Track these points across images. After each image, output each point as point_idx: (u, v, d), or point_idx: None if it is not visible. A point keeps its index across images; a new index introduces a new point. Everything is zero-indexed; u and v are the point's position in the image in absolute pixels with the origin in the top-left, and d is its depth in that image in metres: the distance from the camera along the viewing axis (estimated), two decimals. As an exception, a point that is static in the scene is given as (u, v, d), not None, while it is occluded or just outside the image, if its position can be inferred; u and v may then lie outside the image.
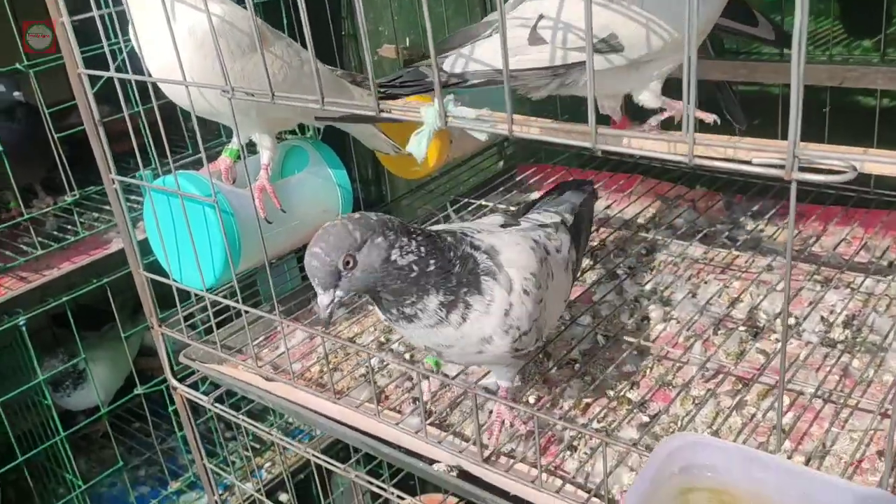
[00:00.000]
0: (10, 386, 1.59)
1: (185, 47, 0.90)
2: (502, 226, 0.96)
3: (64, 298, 1.59)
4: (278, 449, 1.72)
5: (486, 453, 0.87)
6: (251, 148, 1.13)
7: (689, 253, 1.27)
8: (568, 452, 0.91)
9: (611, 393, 0.99)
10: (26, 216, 1.62)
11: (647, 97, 0.95)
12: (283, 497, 1.85)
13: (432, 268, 0.77)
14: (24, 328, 1.53)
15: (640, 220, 1.40)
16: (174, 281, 1.09)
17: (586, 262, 1.29)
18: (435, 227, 0.86)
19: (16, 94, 1.60)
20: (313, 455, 1.13)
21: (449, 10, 1.64)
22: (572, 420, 0.95)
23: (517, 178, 1.58)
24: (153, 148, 1.06)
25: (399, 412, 1.00)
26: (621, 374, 1.03)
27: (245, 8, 0.88)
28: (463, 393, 1.01)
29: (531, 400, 1.00)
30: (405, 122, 0.70)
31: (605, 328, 1.11)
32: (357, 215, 0.77)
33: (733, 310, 1.12)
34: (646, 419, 0.93)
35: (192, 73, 0.91)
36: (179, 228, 1.03)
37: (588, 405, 0.98)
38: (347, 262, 0.74)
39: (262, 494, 1.37)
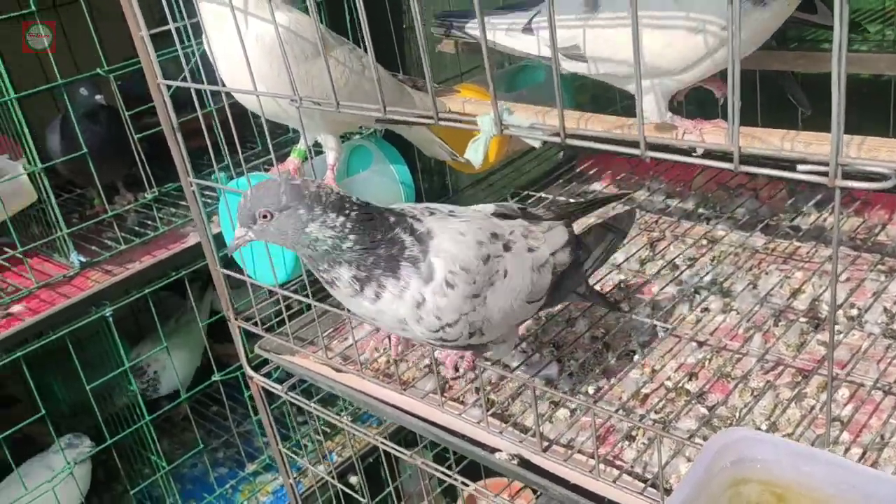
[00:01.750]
0: (98, 373, 1.70)
1: (253, 55, 0.95)
2: (492, 214, 0.96)
3: (147, 291, 1.68)
4: (348, 434, 1.78)
5: (545, 444, 0.90)
6: (318, 148, 1.18)
7: (751, 243, 1.27)
8: (626, 443, 0.94)
9: (669, 384, 1.01)
10: (110, 213, 1.71)
11: (649, 111, 0.95)
12: (353, 479, 1.92)
13: (349, 243, 0.82)
14: (110, 318, 1.63)
15: (701, 210, 1.40)
16: (248, 277, 1.15)
17: (645, 252, 1.30)
18: (397, 205, 0.91)
19: (97, 97, 1.69)
20: (381, 441, 1.18)
21: None
22: (630, 411, 0.98)
23: (577, 170, 1.59)
24: (226, 148, 1.11)
25: (462, 402, 1.04)
26: (680, 365, 1.05)
27: (309, 14, 0.92)
28: (522, 384, 1.04)
29: (590, 391, 1.02)
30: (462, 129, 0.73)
31: (663, 319, 1.12)
32: (298, 181, 0.84)
33: (794, 301, 1.12)
34: (704, 411, 0.95)
35: (260, 79, 0.96)
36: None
37: (646, 396, 1.00)
38: (265, 216, 0.83)
39: (333, 477, 1.43)
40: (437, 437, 0.99)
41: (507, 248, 0.90)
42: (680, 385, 1.00)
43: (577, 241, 0.99)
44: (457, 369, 1.06)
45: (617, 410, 0.95)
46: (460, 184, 1.69)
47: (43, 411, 1.60)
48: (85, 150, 1.61)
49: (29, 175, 1.56)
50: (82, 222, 1.77)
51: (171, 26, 0.99)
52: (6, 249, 1.68)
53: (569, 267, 0.96)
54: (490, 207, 0.97)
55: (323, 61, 0.88)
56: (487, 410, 0.96)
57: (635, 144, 0.58)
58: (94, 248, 1.71)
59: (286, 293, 1.12)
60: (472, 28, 1.08)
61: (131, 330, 2.01)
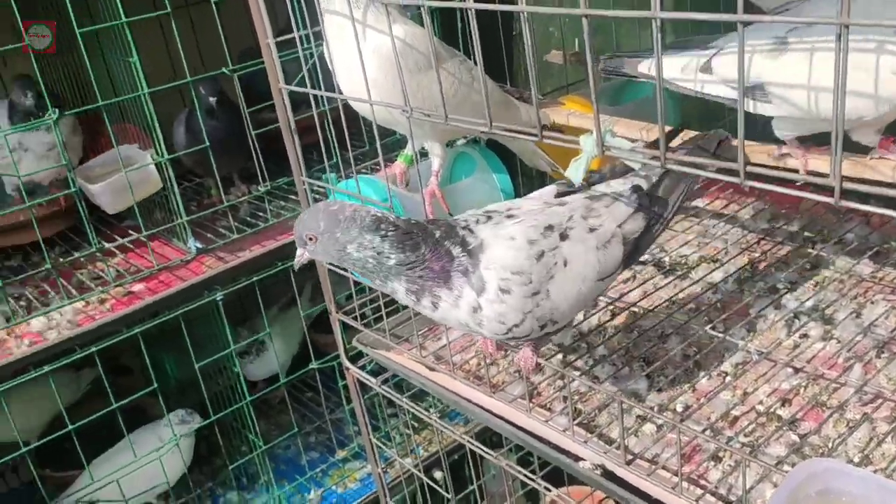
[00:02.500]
0: (205, 353, 1.80)
1: (370, 65, 1.00)
2: (556, 195, 1.00)
3: (255, 278, 1.78)
4: (435, 430, 1.82)
5: (630, 457, 0.91)
6: (424, 153, 1.23)
7: (858, 270, 1.23)
8: (712, 463, 0.94)
9: (760, 408, 1.00)
10: (226, 203, 1.82)
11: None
12: (437, 474, 1.97)
13: (392, 262, 0.88)
14: (220, 303, 1.73)
15: (807, 234, 1.37)
16: (351, 273, 1.21)
17: (745, 273, 1.29)
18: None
19: (211, 98, 1.79)
20: (468, 440, 1.21)
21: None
22: (718, 431, 0.97)
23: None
24: (337, 149, 1.17)
25: (549, 409, 1.06)
26: (773, 390, 1.04)
27: (423, 27, 0.96)
28: (610, 397, 1.05)
29: (678, 408, 1.03)
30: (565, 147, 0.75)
31: (759, 343, 1.11)
32: (335, 206, 0.91)
33: (900, 333, 1.09)
34: (795, 438, 0.94)
35: (375, 88, 1.01)
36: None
37: (736, 418, 1.00)
38: (310, 238, 0.92)
39: (419, 470, 1.48)
40: (522, 442, 1.01)
41: (563, 237, 0.92)
42: (772, 410, 0.99)
43: (651, 199, 0.99)
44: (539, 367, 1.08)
45: (704, 430, 0.96)
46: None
47: (156, 384, 1.71)
48: (207, 143, 1.72)
49: (156, 164, 1.67)
50: (200, 210, 1.88)
51: (296, 34, 1.05)
52: (131, 232, 1.82)
53: (643, 230, 0.98)
54: (552, 189, 1.00)
55: (434, 73, 0.92)
56: (574, 419, 0.98)
57: (735, 172, 0.59)
58: (209, 235, 1.81)
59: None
60: (645, 67, 1.03)
61: (236, 314, 2.11)
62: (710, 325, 1.14)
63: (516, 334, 0.91)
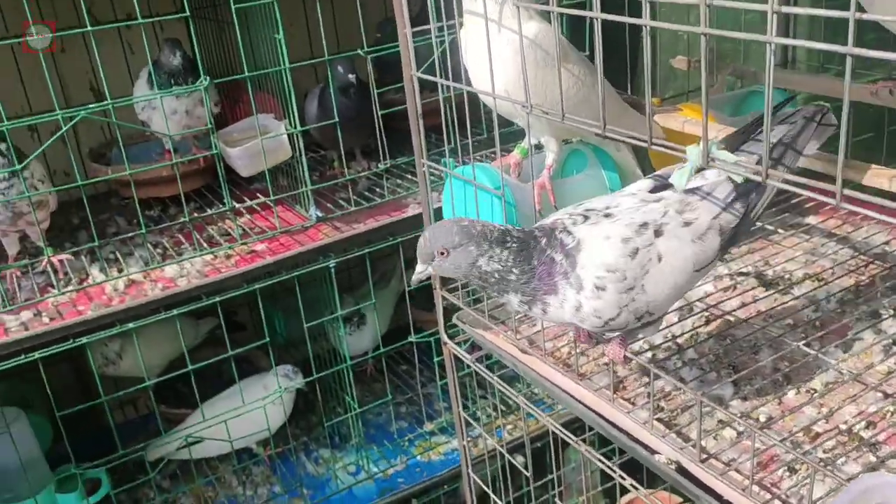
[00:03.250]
0: (312, 316, 1.93)
1: (502, 59, 1.07)
2: (651, 190, 1.01)
3: (366, 250, 1.88)
4: (522, 414, 1.89)
5: (704, 455, 0.95)
6: (539, 146, 1.29)
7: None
8: (787, 473, 0.96)
9: (843, 427, 1.02)
10: (347, 177, 1.93)
11: None
12: (519, 458, 2.03)
13: (514, 276, 0.94)
14: (332, 270, 1.84)
15: (923, 261, 1.35)
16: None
17: (849, 295, 1.28)
18: (551, 217, 1.01)
19: (350, 76, 1.90)
20: (553, 425, 1.27)
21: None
22: (798, 444, 1.00)
23: (794, 200, 1.57)
24: (457, 133, 1.24)
25: (632, 403, 1.10)
26: (860, 412, 1.04)
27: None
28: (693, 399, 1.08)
29: (761, 418, 1.05)
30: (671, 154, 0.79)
31: (852, 364, 1.12)
32: (466, 221, 0.96)
33: None
34: (873, 459, 0.95)
35: (502, 81, 1.08)
36: (469, 210, 1.21)
37: (817, 434, 1.01)
38: (442, 253, 0.95)
39: (504, 449, 1.54)
40: (602, 429, 1.06)
41: (658, 233, 0.96)
42: (854, 430, 1.01)
43: (748, 185, 0.99)
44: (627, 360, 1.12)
45: (783, 440, 0.98)
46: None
47: (267, 339, 1.85)
48: (336, 119, 1.83)
49: (288, 135, 1.79)
50: (321, 181, 2.01)
51: (432, 25, 1.12)
52: (259, 195, 1.96)
53: (741, 218, 0.99)
54: (647, 183, 1.03)
55: (557, 71, 0.97)
56: (654, 415, 1.03)
57: (831, 193, 0.62)
58: (328, 205, 1.93)
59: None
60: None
61: (343, 282, 2.23)
62: (804, 342, 1.15)
63: (613, 326, 0.97)
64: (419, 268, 1.00)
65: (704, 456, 0.95)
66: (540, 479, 1.85)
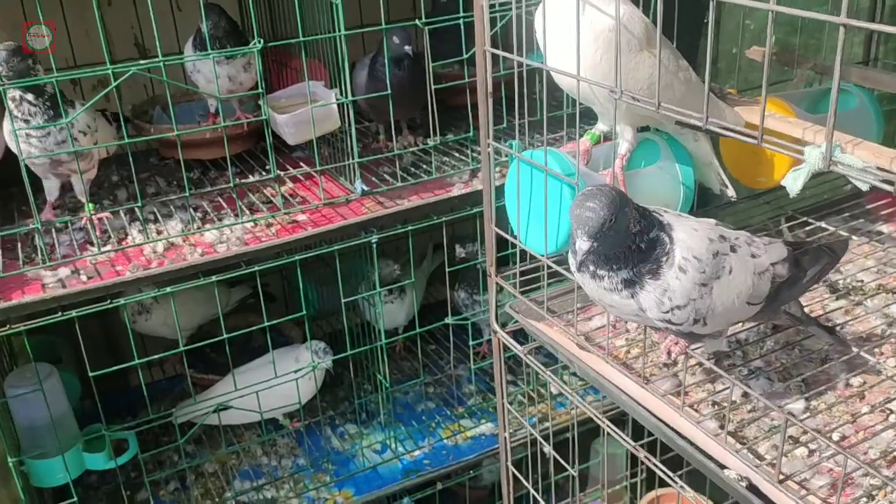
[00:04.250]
0: (350, 287, 1.88)
1: (584, 40, 1.00)
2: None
3: (409, 228, 1.83)
4: (548, 407, 1.84)
5: (782, 476, 0.90)
6: (606, 134, 1.22)
7: None
8: (865, 500, 0.91)
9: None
10: (394, 151, 1.88)
11: None
12: (545, 449, 1.99)
13: (643, 246, 0.93)
14: (375, 245, 1.79)
15: None
16: (520, 242, 1.23)
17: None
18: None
19: (406, 47, 1.84)
20: (600, 418, 1.20)
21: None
22: (876, 469, 0.94)
23: (867, 206, 1.49)
24: (527, 115, 1.19)
25: (696, 411, 1.05)
26: (936, 437, 0.99)
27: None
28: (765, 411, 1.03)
29: (835, 437, 1.00)
30: (785, 153, 0.73)
31: (932, 386, 1.06)
32: (607, 188, 0.92)
33: None
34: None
35: (584, 63, 1.01)
36: (535, 196, 1.16)
37: (895, 459, 0.96)
38: (610, 220, 0.89)
39: (546, 439, 1.49)
40: (667, 439, 1.01)
41: (733, 249, 0.97)
42: (937, 458, 0.95)
43: (795, 260, 1.03)
44: (669, 355, 1.10)
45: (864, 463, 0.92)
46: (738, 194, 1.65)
47: (304, 312, 1.80)
48: (389, 91, 1.77)
49: (338, 105, 1.74)
50: (364, 153, 1.95)
51: (514, 6, 1.06)
52: (301, 164, 1.91)
53: (786, 280, 1.01)
54: (712, 221, 1.04)
55: (644, 56, 0.91)
56: (723, 427, 0.97)
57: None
58: (373, 178, 1.88)
59: (551, 263, 1.18)
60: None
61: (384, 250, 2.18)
62: (882, 358, 1.09)
63: (672, 318, 0.95)
64: (584, 245, 0.91)
65: (782, 476, 0.89)
66: (563, 470, 1.80)
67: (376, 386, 2.08)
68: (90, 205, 1.65)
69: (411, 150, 2.01)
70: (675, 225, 0.96)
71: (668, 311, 0.95)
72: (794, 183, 0.72)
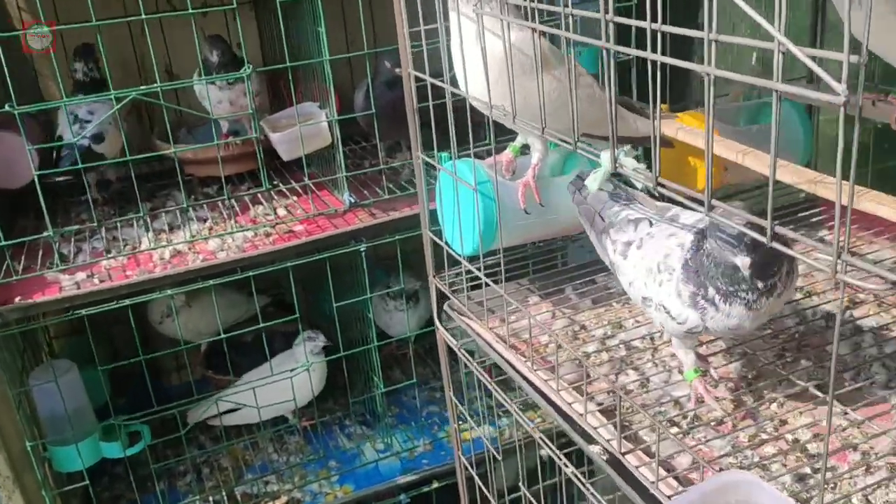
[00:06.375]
0: (346, 297, 2.03)
1: (484, 65, 1.12)
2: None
3: (397, 237, 1.96)
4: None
5: (629, 447, 0.98)
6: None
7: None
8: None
9: (789, 437, 1.02)
10: (385, 166, 2.01)
11: None
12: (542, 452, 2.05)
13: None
14: (363, 253, 1.93)
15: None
16: (445, 244, 1.35)
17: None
18: None
19: (397, 70, 1.97)
20: (539, 434, 1.27)
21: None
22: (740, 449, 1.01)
23: (818, 218, 1.54)
24: (454, 135, 1.30)
25: (592, 399, 1.14)
26: (817, 427, 1.05)
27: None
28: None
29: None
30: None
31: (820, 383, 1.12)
32: None
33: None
34: (808, 471, 0.96)
35: (483, 86, 1.13)
36: (461, 202, 1.28)
37: (763, 442, 1.02)
38: None
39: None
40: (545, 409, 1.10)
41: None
42: (798, 438, 1.01)
43: None
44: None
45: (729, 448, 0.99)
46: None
47: (297, 314, 1.96)
48: (374, 110, 1.92)
49: (329, 123, 1.90)
50: (366, 169, 2.11)
51: (422, 27, 1.19)
52: (305, 179, 2.07)
53: None
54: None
55: (536, 78, 1.02)
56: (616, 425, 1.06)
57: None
58: (366, 192, 2.02)
59: (469, 266, 1.29)
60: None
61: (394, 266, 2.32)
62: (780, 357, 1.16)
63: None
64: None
65: (629, 447, 0.98)
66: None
67: (376, 388, 2.21)
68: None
69: (407, 164, 2.14)
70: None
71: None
72: (592, 183, 0.82)
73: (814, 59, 0.55)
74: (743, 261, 0.85)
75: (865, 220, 1.47)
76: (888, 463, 0.96)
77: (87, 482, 1.85)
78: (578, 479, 1.06)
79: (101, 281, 1.75)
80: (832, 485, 0.94)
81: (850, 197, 0.56)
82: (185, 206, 1.87)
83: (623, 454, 0.95)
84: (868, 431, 1.02)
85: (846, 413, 1.05)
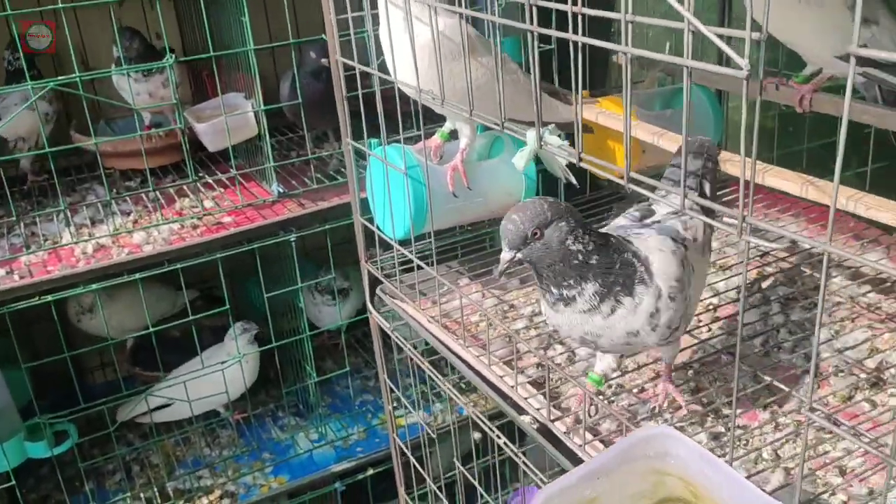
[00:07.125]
0: (278, 288, 2.03)
1: (412, 51, 1.15)
2: (641, 218, 1.06)
3: (327, 227, 1.97)
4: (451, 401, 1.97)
5: (557, 414, 1.03)
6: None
7: (863, 298, 1.28)
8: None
9: (704, 401, 1.09)
10: (312, 156, 2.02)
11: None
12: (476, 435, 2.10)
13: (594, 261, 0.91)
14: (293, 244, 1.93)
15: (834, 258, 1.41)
16: (377, 229, 1.37)
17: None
18: (601, 229, 0.99)
19: (323, 60, 1.98)
20: (476, 414, 1.32)
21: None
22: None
23: (729, 198, 1.62)
24: (383, 121, 1.32)
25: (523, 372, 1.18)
26: (728, 389, 1.12)
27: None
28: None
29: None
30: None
31: (730, 347, 1.19)
32: (551, 199, 0.93)
33: (868, 359, 1.14)
34: (721, 429, 1.03)
35: (412, 72, 1.16)
36: (390, 187, 1.30)
37: (680, 407, 1.09)
38: (535, 234, 0.90)
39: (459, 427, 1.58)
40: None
41: (685, 247, 1.00)
42: (720, 408, 1.08)
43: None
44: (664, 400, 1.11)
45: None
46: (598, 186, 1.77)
47: (227, 306, 1.94)
48: (300, 100, 1.92)
49: (255, 113, 1.89)
50: (295, 159, 2.11)
51: (349, 15, 1.21)
52: (231, 170, 2.06)
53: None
54: (634, 214, 1.08)
55: (463, 64, 1.05)
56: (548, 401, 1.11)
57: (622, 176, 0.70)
58: (294, 182, 2.03)
59: (402, 250, 1.32)
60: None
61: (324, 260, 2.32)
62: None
63: (671, 338, 0.98)
64: (506, 255, 0.93)
65: (557, 414, 1.03)
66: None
67: (308, 378, 2.22)
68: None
69: (335, 154, 2.15)
70: (651, 254, 0.96)
71: (669, 335, 0.96)
72: (519, 161, 0.86)
73: (721, 37, 0.60)
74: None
75: (772, 197, 1.57)
76: (794, 420, 1.04)
77: (14, 483, 1.80)
78: (510, 448, 1.10)
79: (22, 277, 1.71)
80: (744, 441, 1.01)
81: (753, 163, 0.62)
82: (107, 199, 1.83)
83: (552, 421, 1.00)
84: (776, 391, 1.09)
85: (755, 375, 1.13)
